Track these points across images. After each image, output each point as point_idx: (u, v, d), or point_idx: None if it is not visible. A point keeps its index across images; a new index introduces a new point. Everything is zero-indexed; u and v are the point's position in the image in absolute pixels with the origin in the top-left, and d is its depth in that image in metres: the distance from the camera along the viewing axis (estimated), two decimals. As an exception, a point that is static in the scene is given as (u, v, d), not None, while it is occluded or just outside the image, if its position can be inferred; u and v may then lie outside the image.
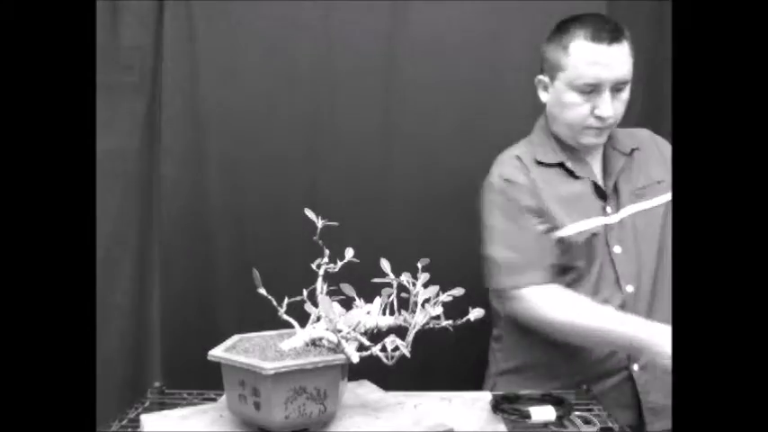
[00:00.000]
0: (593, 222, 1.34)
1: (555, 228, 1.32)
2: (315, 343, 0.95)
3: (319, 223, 0.97)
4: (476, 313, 1.12)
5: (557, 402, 1.06)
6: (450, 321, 1.01)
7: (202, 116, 1.85)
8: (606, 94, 1.27)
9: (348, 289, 0.95)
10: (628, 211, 1.35)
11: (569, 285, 1.31)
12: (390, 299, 1.01)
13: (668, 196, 1.36)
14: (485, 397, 1.15)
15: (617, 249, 1.33)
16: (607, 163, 1.38)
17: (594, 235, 1.33)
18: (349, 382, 1.08)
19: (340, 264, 0.97)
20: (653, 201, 1.36)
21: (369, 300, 1.03)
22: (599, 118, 1.29)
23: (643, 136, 1.46)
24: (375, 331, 0.99)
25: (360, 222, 1.70)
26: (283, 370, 0.86)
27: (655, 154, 1.41)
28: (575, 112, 1.30)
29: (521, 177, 1.33)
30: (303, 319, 0.98)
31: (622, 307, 1.31)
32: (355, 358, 0.91)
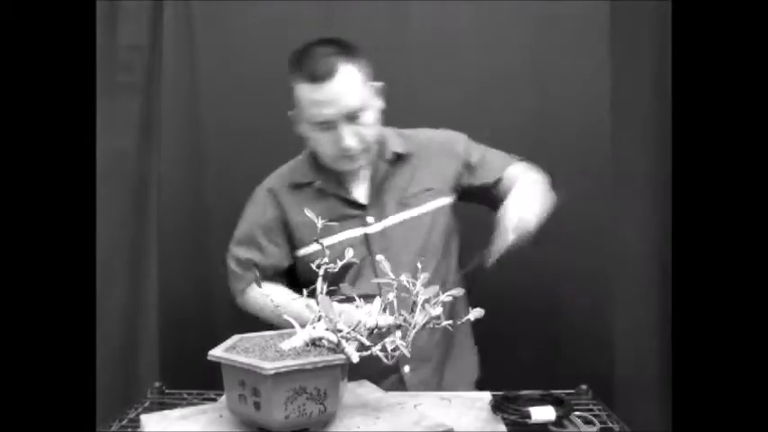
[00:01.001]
0: (347, 235, 1.37)
1: (296, 247, 1.41)
2: (315, 343, 0.95)
3: (319, 223, 0.97)
4: (475, 313, 1.12)
5: (557, 402, 1.06)
6: (450, 321, 1.01)
7: (202, 116, 1.85)
8: (343, 128, 1.29)
9: (348, 289, 0.95)
10: (391, 220, 1.38)
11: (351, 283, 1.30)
12: (391, 299, 1.01)
13: (438, 203, 1.40)
14: (485, 397, 1.15)
15: (379, 257, 1.32)
16: (372, 173, 1.40)
17: (352, 246, 1.28)
18: (349, 382, 1.08)
19: (340, 264, 0.97)
20: (419, 209, 1.39)
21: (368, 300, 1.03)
22: (343, 149, 1.31)
23: (422, 139, 1.45)
24: (375, 331, 0.99)
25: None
26: (283, 370, 0.86)
27: (433, 157, 1.42)
28: (322, 147, 1.35)
29: (265, 213, 1.44)
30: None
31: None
32: (355, 358, 0.91)
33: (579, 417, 1.04)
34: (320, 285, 0.96)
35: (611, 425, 1.04)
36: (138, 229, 1.87)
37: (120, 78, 1.83)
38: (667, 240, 1.76)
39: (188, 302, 1.84)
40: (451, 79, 1.81)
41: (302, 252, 1.41)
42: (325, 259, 0.97)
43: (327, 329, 0.94)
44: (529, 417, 1.00)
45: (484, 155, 1.46)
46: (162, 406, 1.16)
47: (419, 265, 0.99)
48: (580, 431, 1.00)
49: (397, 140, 1.42)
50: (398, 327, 1.01)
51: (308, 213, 0.99)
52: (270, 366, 0.85)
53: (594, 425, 1.02)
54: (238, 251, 1.44)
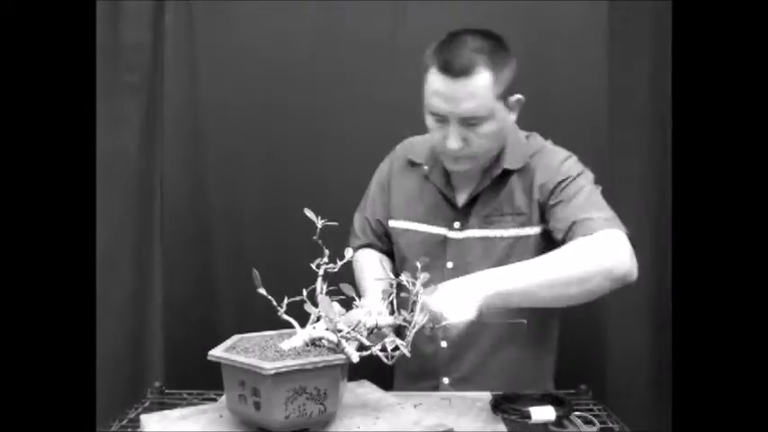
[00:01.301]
0: (433, 230, 1.36)
1: (388, 216, 1.44)
2: (314, 343, 0.95)
3: (319, 223, 0.97)
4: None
5: (557, 402, 1.06)
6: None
7: (202, 116, 1.85)
8: (454, 127, 1.22)
9: (347, 289, 0.95)
10: (473, 233, 1.32)
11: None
12: (390, 298, 1.01)
13: (522, 231, 1.30)
14: (485, 397, 1.15)
15: (449, 265, 1.32)
16: (479, 180, 1.34)
17: (429, 243, 1.36)
18: (349, 382, 1.08)
19: (340, 264, 0.97)
20: (500, 231, 1.31)
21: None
22: (447, 148, 1.25)
23: (534, 159, 1.33)
24: (375, 331, 0.99)
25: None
26: (283, 370, 0.85)
27: (528, 182, 1.31)
28: (432, 136, 1.29)
29: (384, 169, 1.48)
30: (303, 319, 0.98)
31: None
32: (355, 358, 0.91)
33: (579, 417, 1.03)
34: (320, 285, 0.96)
35: (611, 425, 1.04)
36: (141, 228, 1.88)
37: (122, 78, 1.83)
38: (661, 239, 1.78)
39: (189, 302, 1.85)
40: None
41: (392, 224, 1.43)
42: (325, 259, 0.97)
43: (327, 329, 0.95)
44: (529, 417, 1.00)
45: (573, 196, 1.25)
46: (162, 406, 1.16)
47: (418, 265, 0.99)
48: (580, 431, 1.00)
49: (515, 156, 1.32)
50: (398, 327, 1.01)
51: (307, 212, 0.99)
52: (270, 366, 0.85)
53: (594, 425, 1.02)
54: (358, 210, 1.51)
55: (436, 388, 1.36)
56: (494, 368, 1.34)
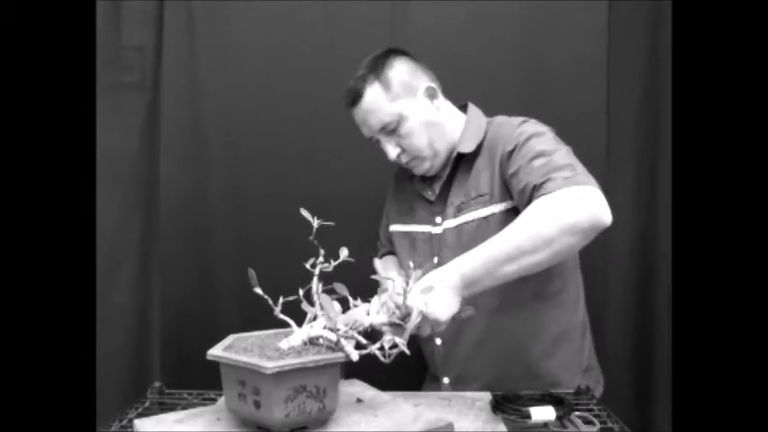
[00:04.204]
0: (418, 228, 1.42)
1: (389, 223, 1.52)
2: (312, 342, 0.95)
3: (315, 223, 0.98)
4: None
5: (557, 402, 1.06)
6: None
7: (202, 116, 1.85)
8: (383, 141, 1.35)
9: (341, 288, 0.95)
10: (449, 224, 1.33)
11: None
12: (385, 298, 1.02)
13: (490, 209, 1.28)
14: (485, 397, 1.15)
15: (435, 260, 1.34)
16: (445, 174, 1.37)
17: (419, 241, 1.40)
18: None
19: (334, 264, 0.97)
20: (471, 215, 1.30)
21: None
22: (392, 161, 1.36)
23: (491, 135, 1.33)
24: (369, 330, 0.99)
25: (361, 221, 1.70)
26: (287, 368, 0.86)
27: (492, 159, 1.30)
28: None
29: (392, 183, 1.56)
30: (299, 318, 0.98)
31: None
32: (355, 356, 0.92)
33: (579, 417, 1.03)
34: (315, 285, 0.96)
35: (611, 425, 1.04)
36: (140, 229, 1.88)
37: (122, 78, 1.83)
38: (660, 239, 1.79)
39: (189, 302, 1.84)
40: (450, 79, 1.81)
41: (390, 230, 1.51)
42: (321, 259, 0.97)
43: (325, 328, 0.95)
44: (529, 417, 1.00)
45: (529, 161, 1.20)
46: (162, 406, 1.16)
47: (411, 264, 1.00)
48: (580, 431, 1.00)
49: (469, 139, 1.33)
50: (393, 325, 1.01)
51: (303, 212, 0.99)
52: (272, 365, 0.85)
53: (594, 425, 1.02)
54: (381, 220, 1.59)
55: (439, 389, 1.37)
56: (485, 363, 1.33)
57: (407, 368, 1.07)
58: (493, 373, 1.31)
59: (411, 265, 1.00)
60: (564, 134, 1.84)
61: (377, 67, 1.32)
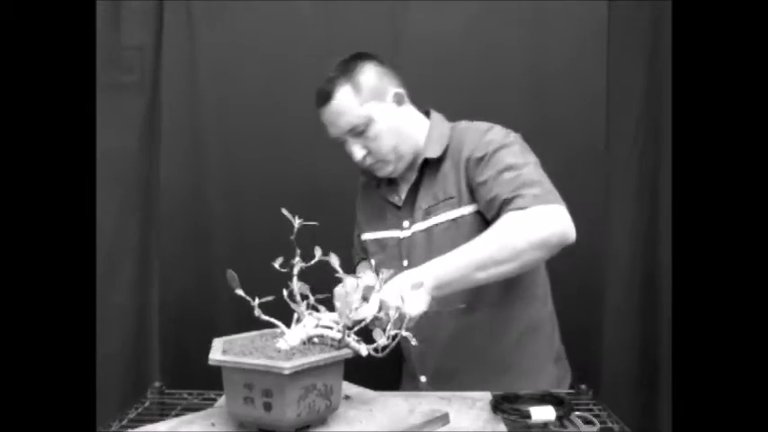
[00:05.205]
0: (387, 234, 1.42)
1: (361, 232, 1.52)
2: (312, 340, 0.95)
3: (296, 222, 0.98)
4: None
5: (557, 402, 1.06)
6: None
7: (202, 116, 1.85)
8: (349, 143, 1.36)
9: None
10: (418, 227, 1.36)
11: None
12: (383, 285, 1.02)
13: (458, 212, 1.31)
14: (485, 397, 1.15)
15: (405, 263, 1.36)
16: (411, 178, 1.40)
17: (389, 246, 1.41)
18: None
19: (312, 262, 0.97)
20: (439, 218, 1.33)
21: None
22: (357, 162, 1.38)
23: (456, 140, 1.35)
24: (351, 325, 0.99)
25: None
26: (302, 368, 0.85)
27: (457, 163, 1.33)
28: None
29: (359, 193, 1.56)
30: (283, 319, 0.98)
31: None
32: (364, 351, 0.93)
33: (579, 417, 1.03)
34: (296, 285, 0.96)
35: (610, 425, 1.04)
36: (139, 229, 1.88)
37: (122, 78, 1.84)
38: (659, 239, 1.79)
39: (189, 302, 1.84)
40: (450, 78, 1.81)
41: (362, 238, 1.51)
42: (298, 258, 0.98)
43: (323, 326, 0.95)
44: (529, 417, 1.00)
45: (499, 174, 1.25)
46: (162, 406, 1.16)
47: (383, 270, 1.01)
48: (580, 431, 1.00)
49: (433, 144, 1.36)
50: (377, 320, 1.02)
51: (284, 212, 0.99)
52: (289, 365, 0.84)
53: (594, 425, 1.02)
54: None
55: (417, 387, 1.38)
56: (459, 358, 1.35)
57: (382, 367, 1.08)
58: (467, 367, 1.34)
59: (382, 270, 1.01)
60: (564, 134, 1.85)
61: (348, 71, 1.33)
